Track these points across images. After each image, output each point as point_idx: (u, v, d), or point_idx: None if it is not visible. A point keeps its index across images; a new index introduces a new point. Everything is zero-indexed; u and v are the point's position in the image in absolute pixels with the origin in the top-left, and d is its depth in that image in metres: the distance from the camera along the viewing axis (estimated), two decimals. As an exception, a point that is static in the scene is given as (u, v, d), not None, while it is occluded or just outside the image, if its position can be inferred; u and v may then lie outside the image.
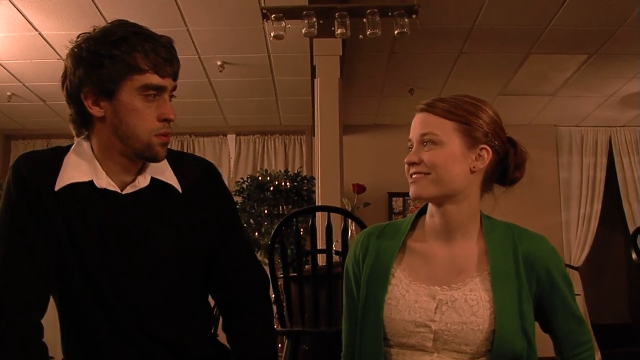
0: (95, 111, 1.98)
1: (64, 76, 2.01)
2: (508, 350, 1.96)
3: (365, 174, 9.24)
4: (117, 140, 1.99)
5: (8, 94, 8.72)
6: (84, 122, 2.05)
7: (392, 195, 9.90)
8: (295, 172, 9.11)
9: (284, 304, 3.78)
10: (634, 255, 5.10)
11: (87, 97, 1.97)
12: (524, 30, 7.02)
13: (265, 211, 8.48)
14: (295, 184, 8.74)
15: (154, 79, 1.94)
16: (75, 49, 1.97)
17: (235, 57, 7.72)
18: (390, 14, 5.43)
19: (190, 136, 10.18)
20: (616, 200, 10.12)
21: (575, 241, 9.92)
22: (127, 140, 1.97)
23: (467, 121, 2.02)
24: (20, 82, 8.40)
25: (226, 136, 10.43)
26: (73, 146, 2.09)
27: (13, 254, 1.95)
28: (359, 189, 7.14)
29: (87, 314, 2.02)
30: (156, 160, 2.03)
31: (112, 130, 1.98)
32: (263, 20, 5.51)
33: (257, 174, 8.97)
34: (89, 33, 1.98)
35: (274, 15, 5.36)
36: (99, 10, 6.49)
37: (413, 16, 5.43)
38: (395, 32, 5.45)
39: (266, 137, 10.49)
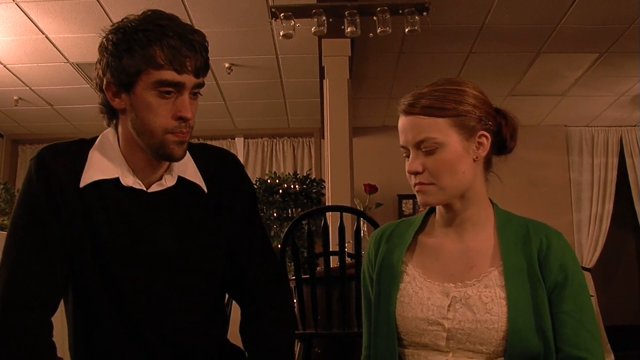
0: (116, 103, 1.94)
1: (95, 66, 1.97)
2: (524, 350, 1.86)
3: (375, 176, 9.19)
4: (135, 134, 1.94)
5: (15, 98, 8.71)
6: (109, 113, 2.01)
7: (402, 197, 9.85)
8: (305, 174, 9.07)
9: (296, 306, 3.73)
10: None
11: (108, 88, 1.93)
12: (534, 29, 6.97)
13: (275, 214, 8.45)
14: (305, 186, 8.71)
15: (170, 74, 1.86)
16: (103, 40, 1.93)
17: (243, 59, 7.69)
18: (400, 11, 5.38)
19: (198, 139, 10.06)
20: (628, 200, 10.06)
21: (587, 242, 9.86)
22: (143, 135, 1.92)
23: (459, 112, 1.92)
24: (27, 86, 8.39)
25: (234, 139, 10.42)
26: (99, 138, 2.05)
27: (27, 250, 1.90)
28: (371, 189, 7.10)
29: (102, 315, 1.97)
30: (172, 159, 1.97)
31: (131, 124, 1.94)
32: (272, 19, 5.47)
33: (266, 177, 8.94)
34: (119, 23, 1.93)
35: (282, 14, 5.31)
36: (105, 13, 6.45)
37: (424, 14, 5.38)
38: (406, 29, 5.39)
39: (275, 140, 10.47)
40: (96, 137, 2.07)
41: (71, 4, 6.31)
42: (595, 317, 1.93)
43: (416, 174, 1.95)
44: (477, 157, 1.96)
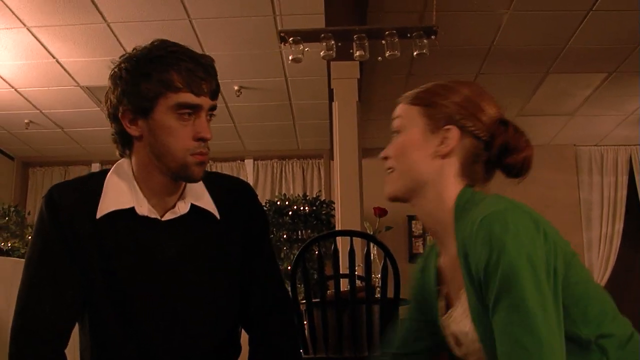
0: (133, 130, 1.96)
1: (106, 96, 1.99)
2: None
3: (384, 198, 9.21)
4: (155, 159, 1.96)
5: (26, 121, 8.76)
6: (124, 142, 2.02)
7: (411, 218, 9.83)
8: (314, 196, 9.08)
9: (307, 330, 3.73)
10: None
11: (124, 115, 1.94)
12: (542, 50, 7.00)
13: (285, 236, 8.46)
14: (314, 208, 8.72)
15: (188, 97, 1.89)
16: (116, 69, 1.95)
17: (252, 82, 7.73)
18: (409, 35, 5.39)
19: (208, 161, 10.08)
20: (638, 219, 10.01)
21: (598, 261, 9.83)
22: (164, 159, 1.94)
23: (431, 103, 1.84)
24: (38, 109, 8.44)
25: (244, 161, 10.43)
26: (114, 168, 2.07)
27: (39, 283, 1.94)
28: (381, 212, 7.08)
29: (115, 343, 1.99)
30: (192, 180, 2.00)
31: (150, 149, 1.96)
32: (281, 43, 5.49)
33: (276, 199, 8.95)
34: (129, 53, 1.96)
35: (291, 38, 5.33)
36: (115, 37, 6.51)
37: (432, 37, 5.39)
38: (415, 53, 5.40)
39: (284, 162, 10.48)
40: (104, 170, 2.09)
41: (81, 29, 6.37)
42: (535, 321, 1.52)
43: (385, 159, 1.92)
44: (438, 152, 1.81)
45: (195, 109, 1.92)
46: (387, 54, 5.36)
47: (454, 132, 1.81)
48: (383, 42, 5.38)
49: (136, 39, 6.72)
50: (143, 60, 1.91)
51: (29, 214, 9.95)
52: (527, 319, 1.51)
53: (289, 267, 3.72)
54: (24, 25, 6.26)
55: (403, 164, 1.84)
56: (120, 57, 1.98)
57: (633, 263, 10.32)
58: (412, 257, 9.82)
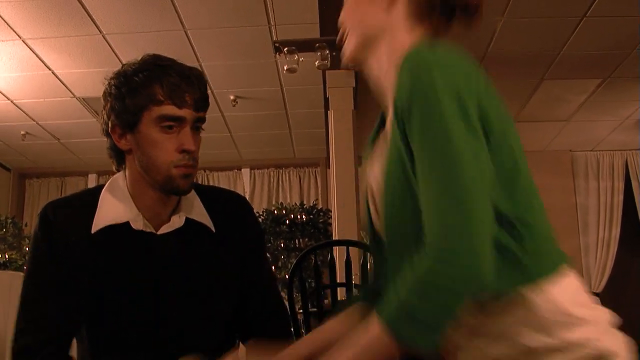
0: (122, 144, 1.98)
1: (100, 112, 2.02)
2: None
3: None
4: (144, 172, 1.97)
5: (22, 132, 8.78)
6: (117, 156, 2.05)
7: (408, 224, 9.81)
8: (311, 204, 9.09)
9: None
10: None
11: (114, 130, 1.96)
12: (537, 56, 7.01)
13: (282, 245, 8.46)
14: (311, 216, 8.73)
15: (170, 109, 1.90)
16: (106, 86, 1.97)
17: (248, 91, 7.73)
18: (403, 43, 5.40)
19: (204, 171, 10.16)
20: (635, 224, 10.03)
21: (595, 266, 9.85)
22: (150, 172, 1.95)
23: None
24: (34, 121, 8.45)
25: (240, 170, 10.44)
26: (109, 183, 2.09)
27: (35, 300, 1.96)
28: (377, 221, 7.07)
29: (113, 356, 2.00)
30: (180, 192, 2.00)
31: (139, 163, 1.97)
32: (275, 53, 5.50)
33: (273, 208, 8.96)
34: (119, 69, 1.99)
35: (286, 48, 5.35)
36: (112, 49, 6.52)
37: (426, 45, 5.40)
38: (409, 61, 5.41)
39: (281, 170, 10.49)
40: (99, 186, 2.11)
41: (77, 40, 6.38)
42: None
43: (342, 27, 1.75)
44: (384, 1, 1.66)
45: (178, 121, 1.92)
46: (381, 63, 5.36)
47: None
48: (378, 51, 5.37)
49: (131, 50, 6.75)
50: (130, 75, 1.93)
51: (26, 225, 9.96)
52: (454, 167, 1.31)
53: (287, 276, 3.72)
54: (20, 37, 6.27)
55: (354, 21, 1.69)
56: (112, 73, 2.00)
57: (630, 268, 10.32)
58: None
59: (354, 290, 3.75)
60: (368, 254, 3.81)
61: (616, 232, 9.96)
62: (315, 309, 3.75)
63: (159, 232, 2.03)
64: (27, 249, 9.31)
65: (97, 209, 2.01)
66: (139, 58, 1.99)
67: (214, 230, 2.10)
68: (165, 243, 2.03)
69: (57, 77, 7.17)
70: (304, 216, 8.65)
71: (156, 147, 1.93)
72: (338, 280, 3.86)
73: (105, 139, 2.03)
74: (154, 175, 1.96)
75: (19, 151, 9.62)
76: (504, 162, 1.43)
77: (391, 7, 1.65)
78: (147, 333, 2.00)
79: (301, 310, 3.79)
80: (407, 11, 1.64)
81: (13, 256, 9.05)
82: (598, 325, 1.42)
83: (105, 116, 1.98)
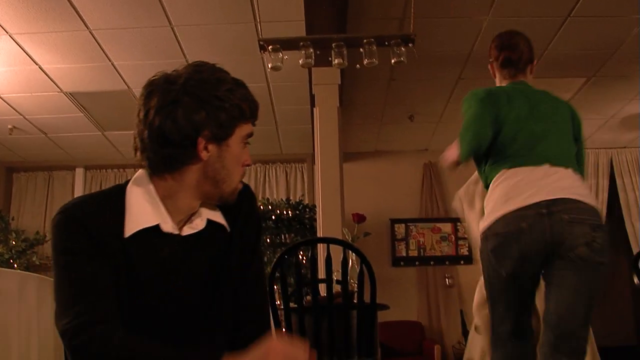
0: (204, 154, 1.95)
1: (173, 117, 1.92)
2: None
3: (367, 201, 9.25)
4: (209, 183, 2.00)
5: (9, 127, 8.78)
6: (178, 162, 1.99)
7: (394, 221, 9.88)
8: (297, 200, 9.12)
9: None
10: (636, 280, 5.09)
11: (202, 139, 1.94)
12: (522, 55, 7.04)
13: (268, 240, 8.49)
14: (297, 212, 8.76)
15: (251, 127, 2.00)
16: (188, 89, 1.92)
17: (234, 88, 7.73)
18: (387, 43, 5.44)
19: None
20: (619, 222, 10.10)
21: (580, 264, 9.87)
22: (222, 184, 2.00)
23: None
24: (22, 115, 8.46)
25: (228, 165, 10.43)
26: (131, 184, 2.05)
27: (90, 280, 1.90)
28: (359, 218, 7.14)
29: None
30: (232, 202, 2.08)
31: (209, 174, 1.99)
32: (260, 51, 5.53)
33: (259, 204, 8.98)
34: (177, 72, 1.95)
35: (271, 46, 5.36)
36: (98, 45, 6.54)
37: (410, 45, 5.44)
38: (393, 61, 5.44)
39: (267, 166, 10.52)
40: (119, 187, 2.07)
41: (64, 36, 6.39)
42: None
43: None
44: None
45: (250, 137, 2.02)
46: (365, 62, 5.40)
47: None
48: (361, 50, 5.42)
49: (118, 46, 6.76)
50: (223, 87, 1.93)
51: (12, 219, 9.96)
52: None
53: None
54: (7, 32, 6.28)
55: None
56: (158, 76, 1.96)
57: (614, 266, 10.37)
58: (396, 260, 9.87)
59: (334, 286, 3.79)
60: (349, 250, 3.86)
61: (601, 229, 9.98)
62: (295, 305, 3.78)
63: (182, 234, 2.04)
64: (13, 242, 9.31)
65: (126, 211, 1.99)
66: (195, 65, 1.98)
67: (228, 229, 2.13)
68: (189, 244, 2.05)
69: (44, 72, 7.18)
70: (290, 212, 8.69)
71: (237, 161, 2.00)
72: (320, 277, 3.90)
73: (168, 144, 1.95)
74: (224, 187, 2.01)
75: (6, 145, 9.63)
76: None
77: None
78: (170, 331, 2.01)
79: (282, 307, 3.82)
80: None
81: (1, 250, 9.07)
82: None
83: (192, 123, 1.92)
